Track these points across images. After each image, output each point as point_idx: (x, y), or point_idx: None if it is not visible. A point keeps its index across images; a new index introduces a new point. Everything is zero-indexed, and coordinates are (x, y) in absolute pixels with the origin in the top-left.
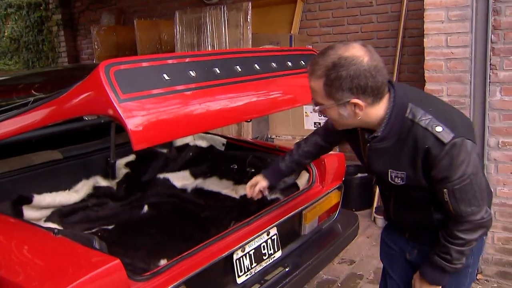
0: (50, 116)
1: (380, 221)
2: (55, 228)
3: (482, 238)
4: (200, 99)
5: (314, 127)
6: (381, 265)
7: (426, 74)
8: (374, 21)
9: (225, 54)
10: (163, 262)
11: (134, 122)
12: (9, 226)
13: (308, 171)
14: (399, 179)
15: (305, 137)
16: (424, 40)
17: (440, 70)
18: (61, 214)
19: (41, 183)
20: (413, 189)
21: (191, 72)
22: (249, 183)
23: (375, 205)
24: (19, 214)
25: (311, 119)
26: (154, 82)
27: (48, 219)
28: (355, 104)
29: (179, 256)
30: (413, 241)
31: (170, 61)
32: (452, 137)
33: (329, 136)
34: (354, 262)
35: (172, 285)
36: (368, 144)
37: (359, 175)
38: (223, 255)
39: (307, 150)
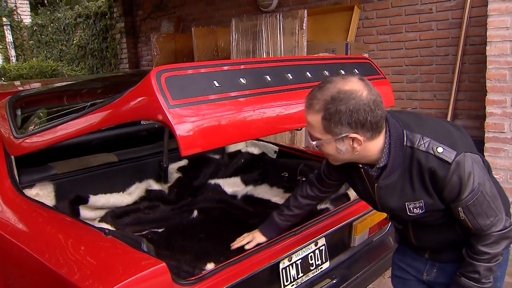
0: (104, 120)
1: None
2: (106, 229)
3: (508, 249)
4: (250, 106)
5: None
6: None
7: (488, 84)
8: (434, 29)
9: (276, 62)
10: (209, 266)
11: (182, 127)
12: (65, 224)
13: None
14: (418, 209)
15: (296, 189)
16: (486, 48)
17: (503, 79)
18: (114, 215)
19: (97, 185)
20: (434, 213)
21: (241, 79)
22: (246, 239)
23: None
24: (76, 213)
25: None
26: (204, 89)
27: (102, 219)
28: (354, 139)
29: (225, 262)
30: (432, 261)
31: (220, 68)
32: (455, 154)
33: (325, 185)
34: None
35: None
36: (376, 184)
37: None
38: (270, 263)
39: (306, 203)
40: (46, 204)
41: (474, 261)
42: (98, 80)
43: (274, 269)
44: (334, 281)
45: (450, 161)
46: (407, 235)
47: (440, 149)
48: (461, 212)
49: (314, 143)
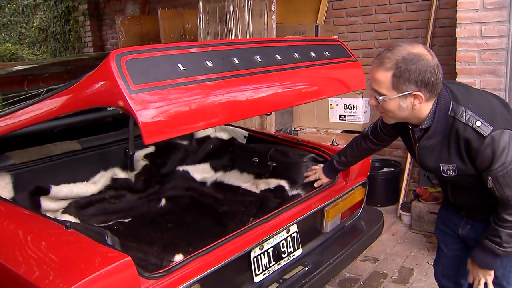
0: (61, 107)
1: (406, 218)
2: (68, 221)
3: None
4: (217, 91)
5: (340, 120)
6: (406, 264)
7: (458, 66)
8: (404, 10)
9: (244, 44)
10: (178, 258)
11: (145, 114)
12: (23, 218)
13: None
14: (451, 171)
15: (353, 138)
16: (456, 30)
17: (473, 62)
18: (78, 206)
19: (59, 174)
20: (466, 178)
21: (207, 62)
22: (312, 177)
23: (401, 201)
24: (37, 205)
25: (336, 112)
26: (168, 73)
27: (65, 210)
28: (416, 97)
29: (194, 253)
30: (468, 218)
31: (185, 51)
32: (491, 130)
33: (380, 138)
34: (378, 260)
35: (186, 284)
36: (418, 144)
37: (385, 169)
38: (240, 253)
39: (360, 153)
40: (1, 197)
41: (498, 227)
42: (57, 64)
43: (245, 259)
44: (307, 268)
45: (485, 135)
46: (447, 194)
47: (478, 123)
48: (489, 181)
49: (381, 98)
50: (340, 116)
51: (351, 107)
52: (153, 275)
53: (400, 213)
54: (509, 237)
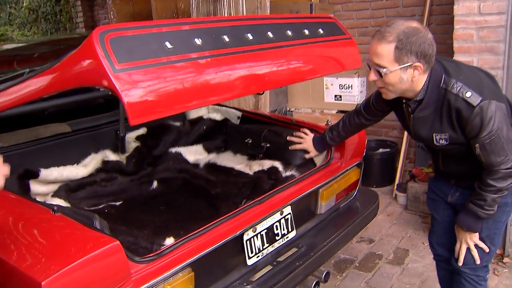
0: (44, 87)
1: (402, 198)
2: (56, 205)
3: None
4: (207, 69)
5: (335, 100)
6: (401, 245)
7: (455, 45)
8: None
9: (234, 21)
10: (168, 241)
11: (130, 94)
12: (9, 203)
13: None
14: (443, 140)
15: (345, 114)
16: (454, 7)
17: (470, 40)
18: (68, 189)
19: (49, 157)
20: (456, 146)
21: (196, 40)
22: (299, 144)
23: (397, 181)
24: (26, 189)
25: (332, 92)
26: (155, 51)
27: (55, 194)
28: (416, 68)
29: (185, 237)
30: (457, 186)
31: (173, 28)
32: (480, 100)
33: (372, 114)
34: (373, 241)
35: (176, 267)
36: (412, 115)
37: (381, 150)
38: (233, 235)
39: (352, 129)
40: None
41: (482, 192)
42: (43, 44)
43: (238, 241)
44: (302, 250)
45: (474, 104)
46: (438, 163)
47: (468, 94)
48: (477, 148)
49: (384, 70)
50: (335, 96)
51: (346, 87)
52: (143, 259)
53: (395, 194)
54: (492, 201)
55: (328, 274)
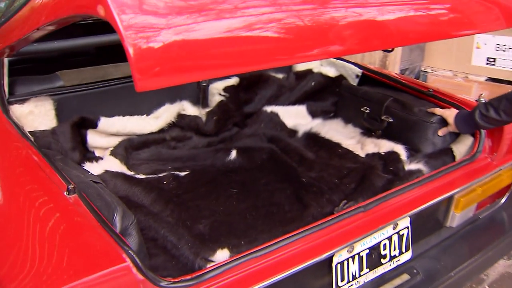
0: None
1: None
2: (73, 184)
3: None
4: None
5: (487, 63)
6: None
7: None
8: None
9: None
10: (220, 255)
11: (139, 33)
12: (23, 171)
13: (473, 134)
14: None
15: None
16: None
17: None
18: (129, 145)
19: (114, 103)
20: None
21: None
22: (439, 109)
23: None
24: (82, 141)
25: (484, 53)
26: None
27: (113, 152)
28: None
29: (245, 253)
30: None
31: None
32: None
33: None
34: None
35: None
36: None
37: None
38: (318, 258)
39: None
40: (21, 129)
41: None
42: None
43: (324, 264)
44: (418, 278)
45: None
46: None
47: None
48: None
49: None
50: (488, 58)
51: (505, 48)
52: (171, 285)
53: None
54: None
55: None
